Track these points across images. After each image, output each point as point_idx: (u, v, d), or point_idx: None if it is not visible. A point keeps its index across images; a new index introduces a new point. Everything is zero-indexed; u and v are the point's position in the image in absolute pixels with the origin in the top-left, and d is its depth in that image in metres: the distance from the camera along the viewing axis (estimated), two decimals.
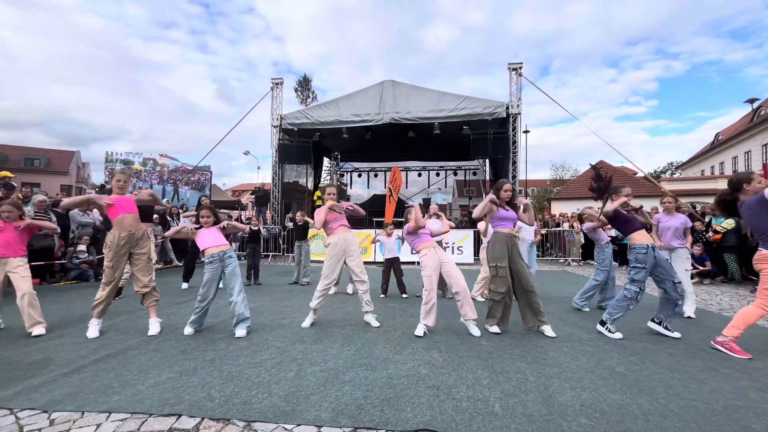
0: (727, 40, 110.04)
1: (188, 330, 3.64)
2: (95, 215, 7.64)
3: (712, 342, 3.33)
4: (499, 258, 3.72)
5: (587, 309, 4.83)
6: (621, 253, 8.76)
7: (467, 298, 3.66)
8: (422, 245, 3.87)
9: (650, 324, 3.77)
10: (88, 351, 3.15)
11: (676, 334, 3.62)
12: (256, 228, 7.11)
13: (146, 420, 2.08)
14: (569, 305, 5.03)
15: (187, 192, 14.21)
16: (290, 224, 6.90)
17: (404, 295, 5.61)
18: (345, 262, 4.03)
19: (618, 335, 3.60)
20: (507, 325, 3.82)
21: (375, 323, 3.96)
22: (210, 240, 3.73)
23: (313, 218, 4.63)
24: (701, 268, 7.31)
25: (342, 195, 19.74)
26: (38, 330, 3.59)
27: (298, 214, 7.19)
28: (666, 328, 3.68)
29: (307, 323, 3.95)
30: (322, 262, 4.20)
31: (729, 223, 7.33)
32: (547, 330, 3.67)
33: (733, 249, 7.30)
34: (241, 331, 3.57)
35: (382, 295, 5.63)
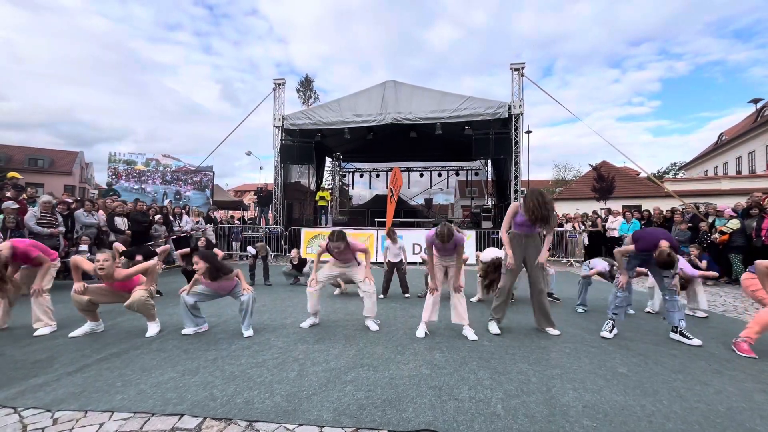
0: (731, 40, 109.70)
1: (187, 330, 3.66)
2: (100, 216, 7.68)
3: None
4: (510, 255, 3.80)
5: (580, 310, 4.83)
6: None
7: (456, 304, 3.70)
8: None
9: (671, 335, 3.65)
10: (92, 350, 3.16)
11: (696, 342, 3.41)
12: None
13: (149, 419, 2.09)
14: (571, 306, 5.02)
15: (189, 192, 14.26)
16: (290, 265, 6.90)
17: (406, 295, 5.62)
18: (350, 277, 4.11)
19: (614, 332, 3.67)
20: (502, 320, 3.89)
21: (373, 327, 3.89)
22: (212, 288, 3.63)
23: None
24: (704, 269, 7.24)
25: (344, 195, 19.80)
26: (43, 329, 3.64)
27: (294, 252, 7.05)
28: (682, 334, 3.52)
29: (306, 324, 3.95)
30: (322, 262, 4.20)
31: (734, 224, 7.27)
32: (551, 330, 3.74)
33: (739, 249, 7.24)
34: (248, 332, 3.60)
35: (382, 296, 5.63)
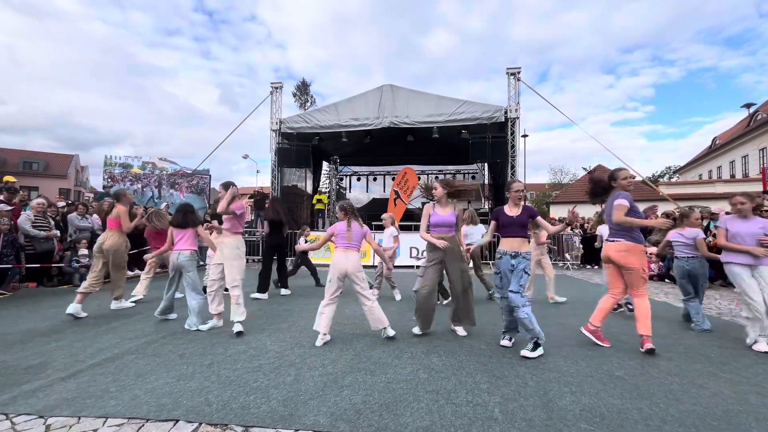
0: (722, 47, 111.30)
1: (204, 326, 3.92)
2: (94, 219, 7.62)
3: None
4: (429, 259, 3.85)
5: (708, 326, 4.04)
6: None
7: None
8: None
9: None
10: (86, 355, 3.13)
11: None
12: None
13: (143, 425, 2.06)
14: (568, 309, 5.03)
15: (186, 196, 14.19)
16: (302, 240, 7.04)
17: (398, 298, 5.69)
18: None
19: (535, 353, 3.14)
20: (429, 327, 3.77)
21: (390, 333, 3.59)
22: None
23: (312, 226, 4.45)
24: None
25: (341, 198, 19.80)
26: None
27: (306, 230, 7.39)
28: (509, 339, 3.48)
29: (319, 342, 3.46)
30: (325, 266, 4.15)
31: None
32: (459, 330, 3.81)
33: None
34: (203, 326, 3.91)
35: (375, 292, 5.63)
